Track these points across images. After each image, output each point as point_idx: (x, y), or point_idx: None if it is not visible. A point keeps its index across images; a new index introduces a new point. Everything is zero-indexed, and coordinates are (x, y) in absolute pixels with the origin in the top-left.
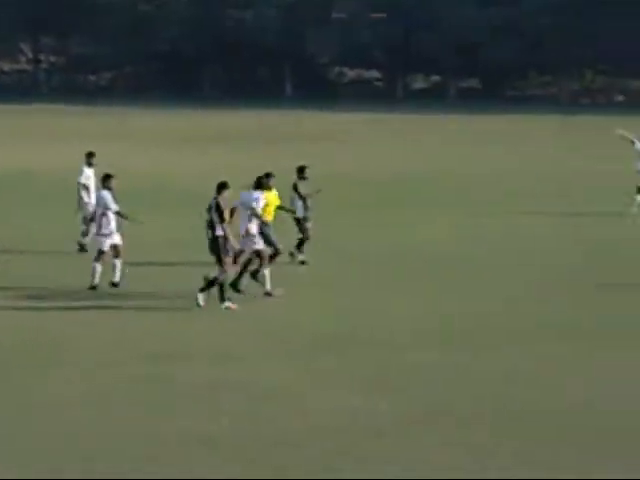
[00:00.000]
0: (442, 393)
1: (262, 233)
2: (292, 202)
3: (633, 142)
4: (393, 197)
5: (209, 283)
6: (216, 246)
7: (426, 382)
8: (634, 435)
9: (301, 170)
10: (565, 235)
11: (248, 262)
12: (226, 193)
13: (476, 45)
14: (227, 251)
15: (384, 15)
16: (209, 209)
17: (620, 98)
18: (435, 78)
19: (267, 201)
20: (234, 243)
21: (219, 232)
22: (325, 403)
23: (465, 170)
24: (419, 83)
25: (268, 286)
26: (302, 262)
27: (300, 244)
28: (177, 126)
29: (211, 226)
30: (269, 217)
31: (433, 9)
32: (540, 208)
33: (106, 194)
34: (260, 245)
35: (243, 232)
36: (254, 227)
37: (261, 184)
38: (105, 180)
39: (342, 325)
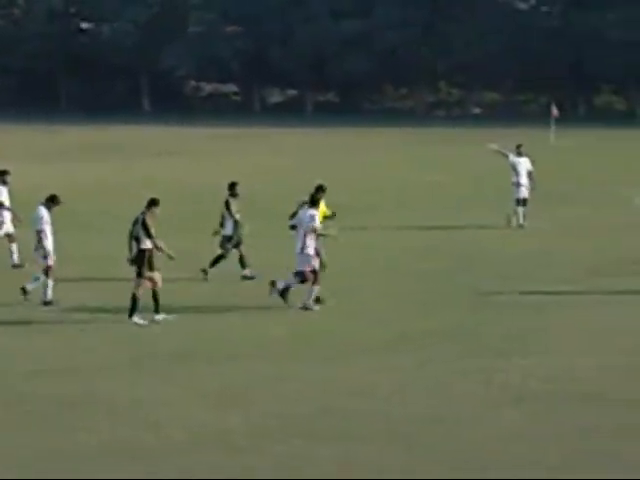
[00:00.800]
0: (291, 405)
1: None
2: (223, 220)
3: (507, 155)
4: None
5: (154, 298)
6: (139, 259)
7: (275, 394)
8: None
9: (232, 187)
10: (405, 245)
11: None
12: (157, 210)
13: (330, 58)
14: (149, 265)
15: (240, 28)
16: (135, 223)
17: (476, 110)
18: (292, 92)
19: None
20: (170, 253)
21: (144, 246)
22: (176, 417)
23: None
24: (276, 97)
25: (310, 301)
26: (205, 275)
27: (217, 260)
28: (31, 141)
29: (136, 239)
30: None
31: (288, 22)
32: (381, 220)
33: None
34: (317, 264)
35: (298, 250)
36: (312, 246)
37: (315, 200)
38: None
39: (189, 341)
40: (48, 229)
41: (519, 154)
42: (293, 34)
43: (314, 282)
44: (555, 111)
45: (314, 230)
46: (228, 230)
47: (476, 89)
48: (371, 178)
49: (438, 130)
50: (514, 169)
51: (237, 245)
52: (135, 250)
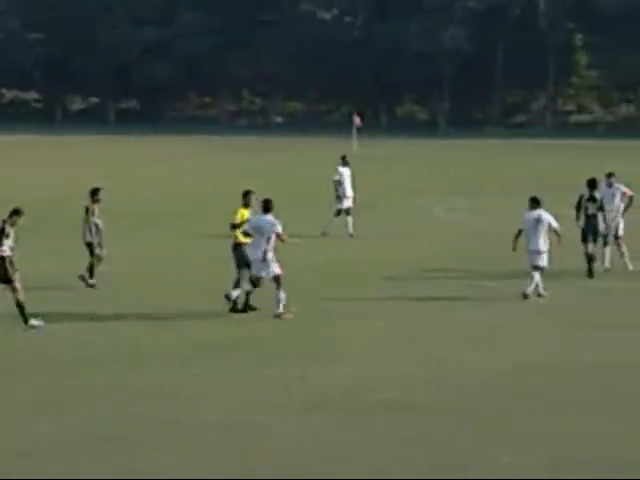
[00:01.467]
0: (105, 413)
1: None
2: (84, 227)
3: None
4: None
5: (19, 307)
6: (1, 268)
7: (92, 402)
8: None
9: (95, 192)
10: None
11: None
12: (19, 219)
13: (132, 65)
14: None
15: (42, 35)
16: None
17: (279, 119)
18: (94, 99)
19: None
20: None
21: (2, 253)
22: None
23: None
24: (78, 104)
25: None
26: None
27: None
28: None
29: None
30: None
31: (91, 29)
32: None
33: None
34: (278, 269)
35: (260, 257)
36: (272, 251)
37: (269, 207)
38: None
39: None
40: None
41: (344, 164)
42: (96, 41)
43: (278, 287)
44: (357, 120)
45: (279, 236)
46: (89, 237)
47: (279, 98)
48: (168, 186)
49: (241, 139)
50: (339, 180)
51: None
52: None
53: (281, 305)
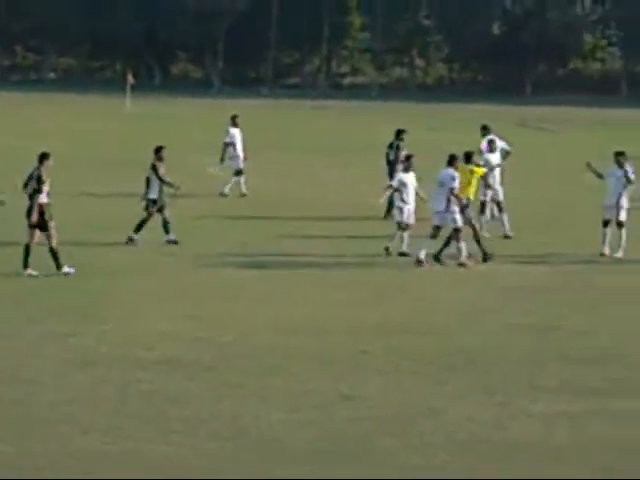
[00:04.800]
0: None
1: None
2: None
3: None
4: None
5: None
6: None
7: None
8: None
9: (158, 150)
10: None
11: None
12: (50, 162)
13: None
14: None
15: None
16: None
17: (51, 75)
18: None
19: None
20: None
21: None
22: None
23: None
24: None
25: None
26: None
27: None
28: None
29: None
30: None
31: None
32: None
33: None
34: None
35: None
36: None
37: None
38: None
39: None
40: None
41: (234, 125)
42: None
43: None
44: (131, 78)
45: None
46: (153, 194)
47: (51, 54)
48: None
49: (16, 95)
50: (231, 142)
51: (161, 210)
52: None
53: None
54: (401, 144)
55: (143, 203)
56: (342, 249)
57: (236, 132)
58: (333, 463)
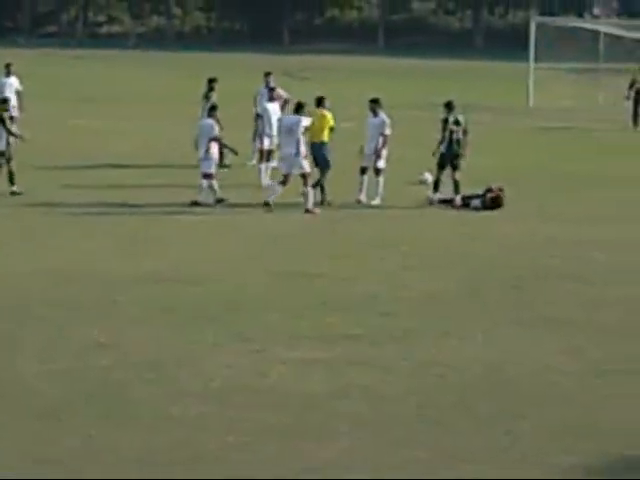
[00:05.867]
0: None
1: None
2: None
3: None
4: None
5: None
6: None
7: None
8: None
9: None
10: None
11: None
12: None
13: None
14: None
15: None
16: None
17: None
18: None
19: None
20: None
21: None
22: None
23: None
24: None
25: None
26: None
27: None
28: None
29: None
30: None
31: None
32: None
33: None
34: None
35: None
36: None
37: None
38: None
39: None
40: None
41: (8, 74)
42: None
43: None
44: None
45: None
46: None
47: None
48: None
49: None
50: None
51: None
52: None
53: None
54: (212, 93)
55: None
56: (105, 198)
57: (9, 82)
58: (92, 415)
